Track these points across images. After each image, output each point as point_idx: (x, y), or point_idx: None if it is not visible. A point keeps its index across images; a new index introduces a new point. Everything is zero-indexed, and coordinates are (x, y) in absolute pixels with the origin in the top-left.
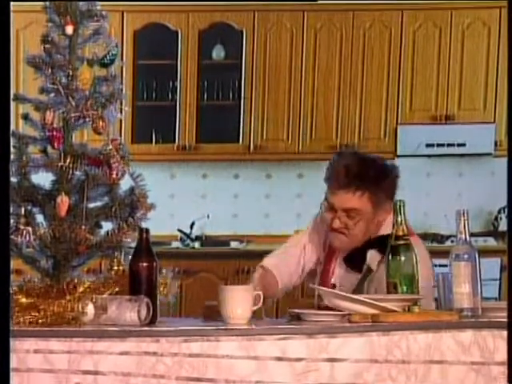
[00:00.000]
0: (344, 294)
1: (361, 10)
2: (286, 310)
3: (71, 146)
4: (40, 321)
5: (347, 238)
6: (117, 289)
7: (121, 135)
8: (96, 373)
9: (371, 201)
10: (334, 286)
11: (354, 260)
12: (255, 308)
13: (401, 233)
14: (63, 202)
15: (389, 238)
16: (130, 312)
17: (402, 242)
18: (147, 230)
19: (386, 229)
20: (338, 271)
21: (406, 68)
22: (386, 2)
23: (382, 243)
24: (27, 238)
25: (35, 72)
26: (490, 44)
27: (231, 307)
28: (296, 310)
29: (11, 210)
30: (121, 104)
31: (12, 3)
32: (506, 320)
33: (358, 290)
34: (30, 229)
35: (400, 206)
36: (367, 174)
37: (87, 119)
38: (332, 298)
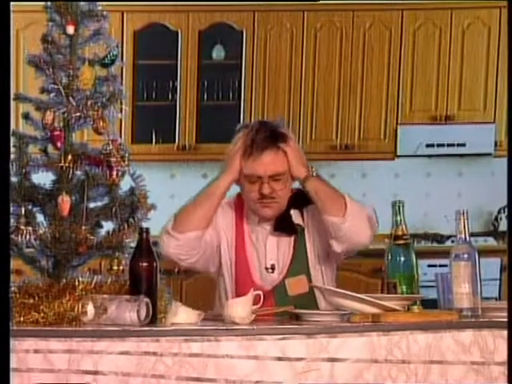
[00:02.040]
0: (344, 292)
1: (361, 10)
2: None
3: (71, 145)
4: (40, 321)
5: (277, 204)
6: (117, 289)
7: (121, 135)
8: (96, 373)
9: (287, 159)
10: (272, 267)
11: (284, 224)
12: (255, 308)
13: (400, 233)
14: (64, 201)
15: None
16: (129, 312)
17: (401, 242)
18: (147, 230)
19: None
20: (269, 244)
21: (405, 68)
22: (386, 2)
23: (298, 200)
24: (27, 237)
25: (36, 72)
26: (489, 44)
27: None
28: (296, 310)
29: (11, 209)
30: (121, 104)
31: (12, 3)
32: (506, 320)
33: (296, 255)
34: (30, 229)
35: (399, 206)
36: (277, 133)
37: (88, 119)
38: (333, 296)
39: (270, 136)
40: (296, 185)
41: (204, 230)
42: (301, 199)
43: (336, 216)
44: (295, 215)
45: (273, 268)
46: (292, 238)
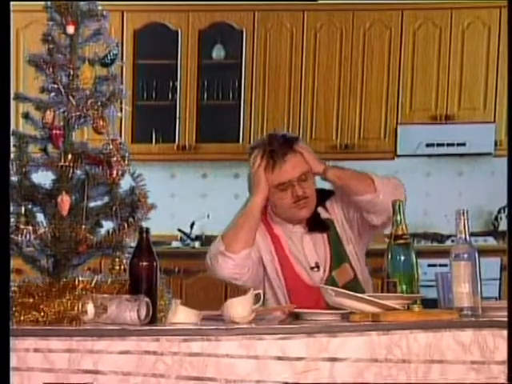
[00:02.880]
0: (344, 291)
1: (361, 10)
2: None
3: (72, 145)
4: (40, 320)
5: (310, 204)
6: (117, 288)
7: (121, 135)
8: (96, 372)
9: (304, 159)
10: (317, 265)
11: (316, 223)
12: (255, 307)
13: (400, 232)
14: (64, 200)
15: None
16: (129, 311)
17: (401, 242)
18: (147, 230)
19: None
20: (307, 245)
21: (405, 68)
22: (386, 2)
23: (318, 197)
24: (27, 237)
25: (36, 71)
26: (489, 44)
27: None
28: (296, 310)
29: (11, 209)
30: (121, 103)
31: (12, 2)
32: (506, 319)
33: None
34: (30, 228)
35: (399, 206)
36: (288, 138)
37: (88, 118)
38: (333, 296)
39: (284, 142)
40: None
41: (252, 247)
42: (319, 196)
43: (368, 193)
44: (321, 211)
45: (317, 266)
46: (325, 234)
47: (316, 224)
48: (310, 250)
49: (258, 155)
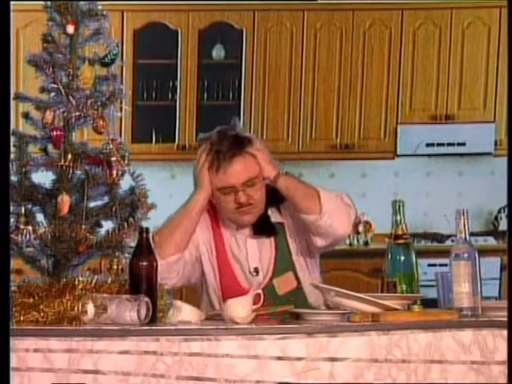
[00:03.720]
0: (344, 291)
1: (361, 10)
2: None
3: (71, 145)
4: (40, 320)
5: (256, 209)
6: (117, 288)
7: (121, 135)
8: (96, 372)
9: (257, 162)
10: (256, 270)
11: (263, 226)
12: (255, 307)
13: (400, 232)
14: (64, 200)
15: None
16: (129, 311)
17: (401, 242)
18: (147, 230)
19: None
20: (250, 248)
21: (405, 68)
22: (386, 2)
23: (274, 196)
24: (27, 237)
25: (36, 71)
26: (489, 44)
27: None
28: (296, 310)
29: (11, 209)
30: (121, 103)
31: (12, 2)
32: (506, 319)
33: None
34: (30, 228)
35: (399, 206)
36: (239, 139)
37: (88, 118)
38: (333, 296)
39: (234, 143)
40: None
41: (184, 251)
42: (277, 195)
43: (313, 214)
44: (273, 214)
45: (256, 271)
46: (272, 238)
47: (263, 228)
48: (253, 253)
49: (203, 152)
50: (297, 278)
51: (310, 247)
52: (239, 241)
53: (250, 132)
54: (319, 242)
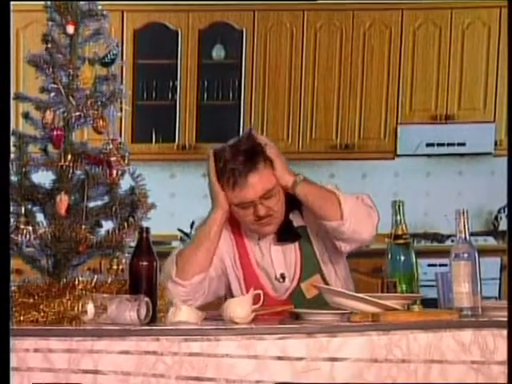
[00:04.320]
0: (344, 291)
1: (361, 10)
2: None
3: (71, 145)
4: (40, 320)
5: (275, 220)
6: (117, 288)
7: (121, 134)
8: (96, 372)
9: (272, 171)
10: (283, 277)
11: (286, 232)
12: (255, 307)
13: (400, 232)
14: (63, 200)
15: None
16: (129, 311)
17: (401, 242)
18: (147, 230)
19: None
20: (275, 254)
21: (405, 68)
22: (386, 2)
23: (295, 200)
24: (27, 237)
25: (36, 71)
26: (489, 44)
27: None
28: (296, 310)
29: (11, 209)
30: (121, 103)
31: (12, 2)
32: (506, 319)
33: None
34: (30, 228)
35: (399, 206)
36: (252, 153)
37: (88, 118)
38: (333, 296)
39: (247, 159)
40: None
41: (208, 270)
42: (297, 199)
43: (334, 220)
44: (295, 218)
45: (283, 277)
46: (297, 243)
47: (286, 234)
48: (278, 259)
49: (214, 167)
50: (324, 281)
51: (335, 248)
52: (263, 249)
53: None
54: (343, 247)
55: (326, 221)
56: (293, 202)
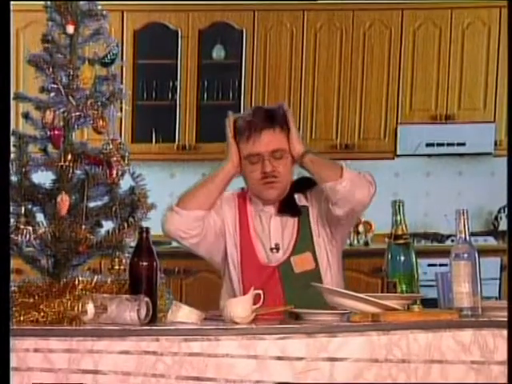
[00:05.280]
0: (344, 291)
1: (361, 10)
2: None
3: (71, 145)
4: (40, 320)
5: (280, 184)
6: (117, 288)
7: (121, 134)
8: (96, 372)
9: (286, 138)
10: (277, 247)
11: (288, 206)
12: (255, 307)
13: (400, 232)
14: (63, 200)
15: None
16: (129, 311)
17: (401, 242)
18: (147, 230)
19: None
20: (273, 226)
21: (405, 68)
22: (386, 2)
23: (301, 185)
24: (27, 237)
25: (36, 71)
26: (489, 44)
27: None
28: (296, 310)
29: (11, 209)
30: (121, 103)
31: (12, 2)
32: (506, 319)
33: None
34: (30, 228)
35: (399, 206)
36: (274, 114)
37: (87, 118)
38: (333, 296)
39: (267, 117)
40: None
41: (207, 211)
42: (304, 184)
43: (333, 180)
44: (299, 198)
45: (277, 248)
46: (296, 219)
47: (287, 207)
48: (275, 231)
49: (234, 122)
50: (315, 261)
51: (333, 234)
52: (263, 219)
53: None
54: (336, 210)
55: (324, 182)
56: (300, 185)
